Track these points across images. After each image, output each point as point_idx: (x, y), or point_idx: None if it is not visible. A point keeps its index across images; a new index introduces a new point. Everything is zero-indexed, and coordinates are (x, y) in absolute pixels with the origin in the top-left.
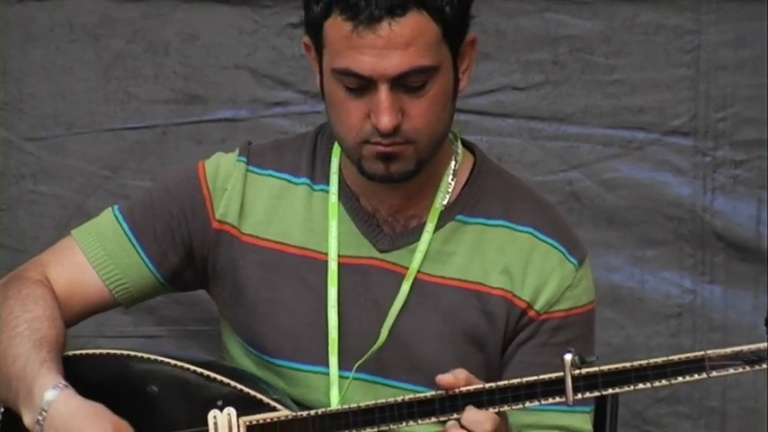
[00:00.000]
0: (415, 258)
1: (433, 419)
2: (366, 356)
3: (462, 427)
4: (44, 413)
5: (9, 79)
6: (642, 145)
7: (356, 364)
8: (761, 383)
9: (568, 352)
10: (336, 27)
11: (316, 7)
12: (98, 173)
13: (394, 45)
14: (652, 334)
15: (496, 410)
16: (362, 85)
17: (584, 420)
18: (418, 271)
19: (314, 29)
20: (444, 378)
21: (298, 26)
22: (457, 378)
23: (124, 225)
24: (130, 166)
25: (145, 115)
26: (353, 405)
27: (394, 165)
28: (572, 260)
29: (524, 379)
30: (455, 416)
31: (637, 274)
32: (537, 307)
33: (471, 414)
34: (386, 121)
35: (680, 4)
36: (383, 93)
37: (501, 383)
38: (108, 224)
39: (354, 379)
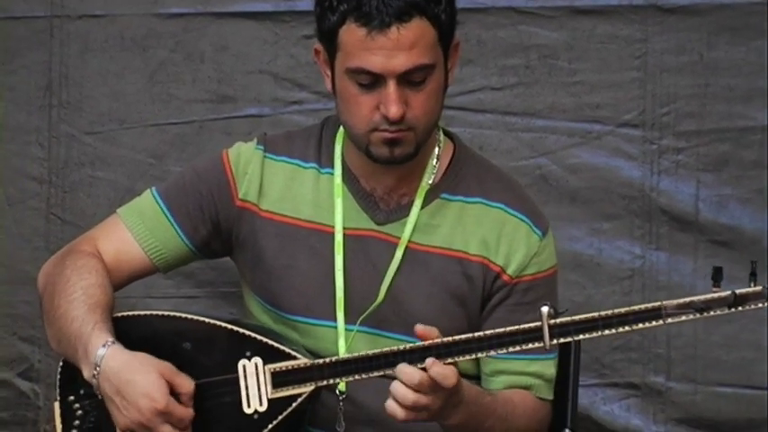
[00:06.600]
0: (406, 230)
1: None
2: (367, 312)
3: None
4: (98, 368)
5: (71, 83)
6: (599, 135)
7: (359, 319)
8: (700, 333)
9: (545, 305)
10: (351, 33)
11: (332, 17)
12: (145, 161)
13: (401, 46)
14: (608, 293)
15: (484, 355)
16: (373, 81)
17: (548, 366)
18: (409, 240)
19: (328, 36)
20: (420, 328)
21: (311, 37)
22: (429, 332)
23: (161, 204)
24: (172, 155)
25: (184, 112)
26: (360, 353)
27: (398, 149)
28: (537, 231)
29: (508, 329)
30: (449, 360)
31: (595, 243)
32: (509, 272)
33: (437, 367)
34: (394, 110)
35: (630, 17)
36: (392, 87)
37: (488, 332)
38: (147, 204)
39: (358, 332)
